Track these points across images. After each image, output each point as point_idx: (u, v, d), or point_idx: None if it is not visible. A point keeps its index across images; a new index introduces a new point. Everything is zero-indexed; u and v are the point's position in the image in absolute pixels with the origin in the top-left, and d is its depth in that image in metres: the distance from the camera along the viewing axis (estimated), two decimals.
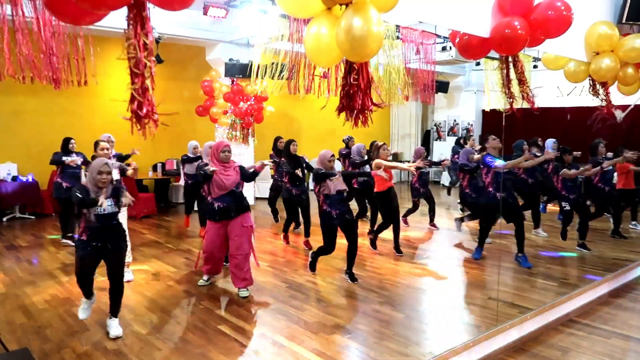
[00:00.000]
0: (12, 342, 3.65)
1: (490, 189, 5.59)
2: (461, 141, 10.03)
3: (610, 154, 7.06)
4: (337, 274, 5.41)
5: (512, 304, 4.44)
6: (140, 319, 4.13)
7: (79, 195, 3.51)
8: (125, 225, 4.88)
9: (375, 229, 6.54)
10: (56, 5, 2.17)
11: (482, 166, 5.74)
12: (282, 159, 6.84)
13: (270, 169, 8.82)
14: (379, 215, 6.54)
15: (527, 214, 7.09)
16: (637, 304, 4.84)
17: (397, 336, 3.80)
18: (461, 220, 7.45)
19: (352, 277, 5.20)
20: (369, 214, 7.47)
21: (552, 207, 9.14)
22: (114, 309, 3.85)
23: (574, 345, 3.85)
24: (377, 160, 5.82)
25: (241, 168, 4.77)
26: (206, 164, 4.58)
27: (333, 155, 5.08)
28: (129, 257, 5.10)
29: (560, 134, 10.38)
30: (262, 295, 4.74)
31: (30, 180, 8.43)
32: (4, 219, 8.26)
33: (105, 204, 3.54)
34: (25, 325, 4.00)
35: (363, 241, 6.86)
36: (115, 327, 3.81)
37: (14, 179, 8.32)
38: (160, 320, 4.11)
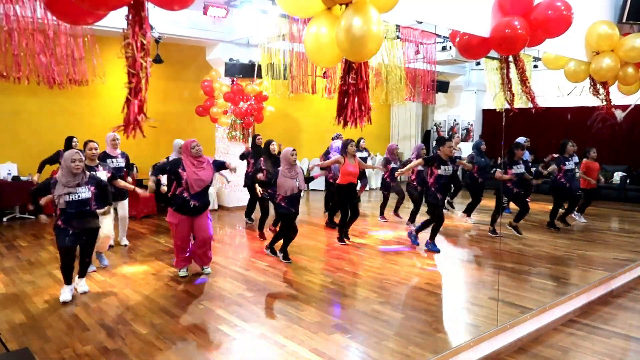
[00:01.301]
0: (12, 342, 3.64)
1: (433, 190, 6.16)
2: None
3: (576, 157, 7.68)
4: (337, 274, 5.41)
5: (512, 304, 4.44)
6: (140, 319, 4.13)
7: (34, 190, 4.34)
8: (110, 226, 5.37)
9: (333, 222, 7.17)
10: (56, 5, 2.17)
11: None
12: (261, 159, 6.98)
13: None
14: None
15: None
16: (637, 304, 4.83)
17: (397, 336, 3.80)
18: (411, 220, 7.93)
19: (286, 257, 5.88)
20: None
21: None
22: (82, 273, 4.70)
23: (574, 345, 3.85)
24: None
25: (214, 162, 5.29)
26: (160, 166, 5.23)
27: (294, 150, 5.64)
28: (104, 249, 5.52)
29: (560, 134, 10.41)
30: (262, 295, 4.74)
31: (30, 180, 8.42)
32: (4, 219, 8.26)
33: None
34: (25, 325, 4.00)
35: (362, 241, 6.87)
36: (82, 285, 4.69)
37: (14, 179, 8.32)
38: (160, 320, 4.11)
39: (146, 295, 4.71)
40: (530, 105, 4.71)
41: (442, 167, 6.04)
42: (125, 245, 6.59)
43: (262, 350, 3.60)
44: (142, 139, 2.16)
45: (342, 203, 6.77)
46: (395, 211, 8.42)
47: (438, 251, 6.34)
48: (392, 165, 7.93)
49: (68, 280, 4.54)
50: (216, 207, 9.80)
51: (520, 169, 6.95)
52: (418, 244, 6.58)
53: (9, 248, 6.50)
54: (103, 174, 5.18)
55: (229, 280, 5.17)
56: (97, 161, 5.34)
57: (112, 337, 3.76)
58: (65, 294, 4.51)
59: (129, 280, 5.19)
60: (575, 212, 8.35)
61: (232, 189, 9.74)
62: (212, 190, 9.81)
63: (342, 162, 6.55)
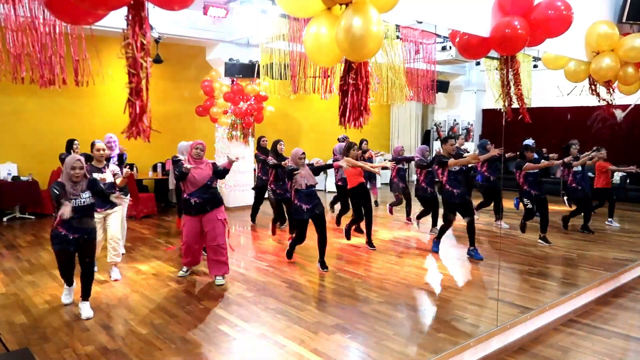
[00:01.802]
0: (12, 342, 3.65)
1: (448, 187, 6.06)
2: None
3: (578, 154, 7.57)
4: (338, 274, 5.41)
5: (512, 304, 4.44)
6: (140, 319, 4.13)
7: (57, 192, 3.94)
8: (119, 225, 5.20)
9: (348, 223, 6.93)
10: (56, 5, 2.17)
11: (436, 166, 6.26)
12: (269, 157, 7.07)
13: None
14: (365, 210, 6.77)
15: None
16: (637, 303, 4.83)
17: (397, 336, 3.80)
18: (418, 218, 7.82)
19: (323, 265, 5.58)
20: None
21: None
22: (85, 293, 4.24)
23: (574, 345, 3.85)
24: (345, 159, 6.25)
25: (214, 165, 5.16)
26: (179, 160, 4.99)
27: (304, 153, 5.58)
28: (118, 257, 5.18)
29: (560, 134, 10.41)
30: (262, 295, 4.74)
31: (30, 180, 8.42)
32: (4, 219, 8.26)
33: (67, 214, 3.82)
34: (25, 325, 4.00)
35: (361, 240, 6.87)
36: (86, 310, 4.20)
37: (14, 179, 8.32)
38: (160, 320, 4.11)
39: (146, 295, 4.71)
40: (532, 105, 4.68)
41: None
42: (122, 254, 6.51)
43: (262, 350, 3.60)
44: (141, 139, 2.16)
45: (358, 204, 6.58)
46: (407, 216, 8.24)
47: (436, 251, 6.33)
48: (399, 166, 7.88)
49: (69, 282, 4.42)
50: None
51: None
52: (482, 258, 6.07)
53: (9, 248, 6.50)
54: (109, 175, 5.06)
55: (229, 280, 5.17)
56: (105, 162, 5.15)
57: (112, 337, 3.76)
58: (66, 296, 4.46)
59: (129, 280, 5.19)
60: (608, 219, 8.14)
61: (232, 189, 9.75)
62: None
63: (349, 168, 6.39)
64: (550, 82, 10.99)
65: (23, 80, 3.98)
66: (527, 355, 3.69)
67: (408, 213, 8.21)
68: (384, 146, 14.70)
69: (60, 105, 8.98)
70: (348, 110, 2.78)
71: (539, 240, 6.81)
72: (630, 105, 6.14)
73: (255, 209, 8.23)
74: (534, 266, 5.72)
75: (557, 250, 6.51)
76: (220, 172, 5.15)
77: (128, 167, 5.38)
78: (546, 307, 4.18)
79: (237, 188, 9.41)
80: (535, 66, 10.19)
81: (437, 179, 6.76)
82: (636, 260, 5.75)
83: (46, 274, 5.35)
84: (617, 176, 10.88)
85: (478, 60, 10.90)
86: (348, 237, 6.86)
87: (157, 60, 7.89)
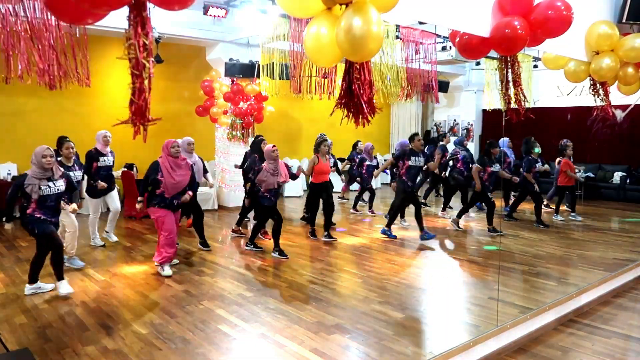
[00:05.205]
0: (12, 342, 3.65)
1: (404, 179, 6.87)
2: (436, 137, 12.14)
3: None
4: (338, 274, 5.41)
5: (512, 304, 4.44)
6: (140, 319, 4.13)
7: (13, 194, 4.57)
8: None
9: (306, 219, 7.59)
10: (56, 5, 2.17)
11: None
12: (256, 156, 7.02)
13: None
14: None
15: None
16: (637, 304, 4.83)
17: (397, 336, 3.80)
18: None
19: (282, 253, 6.05)
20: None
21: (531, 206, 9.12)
22: (59, 275, 4.66)
23: (574, 345, 3.85)
24: (313, 157, 6.95)
25: (192, 168, 5.55)
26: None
27: (274, 146, 5.99)
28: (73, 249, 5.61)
29: (560, 134, 10.39)
30: (262, 295, 4.74)
31: None
32: (4, 219, 8.24)
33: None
34: (25, 325, 4.00)
35: (362, 240, 6.86)
36: (64, 286, 4.62)
37: (14, 179, 8.31)
38: (160, 320, 4.11)
39: (146, 295, 4.71)
40: (532, 105, 4.68)
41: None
42: (116, 242, 6.67)
43: (262, 350, 3.60)
44: (140, 138, 2.15)
45: (316, 202, 7.10)
46: (370, 208, 9.20)
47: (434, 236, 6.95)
48: (368, 162, 8.88)
49: (34, 279, 4.69)
50: (216, 207, 9.80)
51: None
52: (434, 236, 7.03)
53: (9, 248, 6.50)
54: (79, 174, 5.54)
55: (229, 280, 5.17)
56: (73, 160, 5.52)
57: (112, 337, 3.76)
58: (29, 289, 4.69)
59: (129, 280, 5.19)
60: (555, 214, 8.66)
61: (231, 189, 9.74)
62: (211, 190, 9.82)
63: (317, 162, 6.86)
64: (550, 82, 11.00)
65: (22, 79, 3.97)
66: (527, 355, 3.69)
67: (370, 206, 9.21)
68: (384, 146, 14.70)
69: (60, 105, 8.98)
70: (356, 107, 2.78)
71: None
72: (630, 105, 6.15)
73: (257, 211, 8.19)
74: (534, 266, 5.72)
75: (557, 250, 6.51)
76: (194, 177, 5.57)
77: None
78: (546, 307, 4.18)
79: (237, 188, 9.40)
80: (535, 66, 10.20)
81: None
82: (636, 260, 5.75)
83: (46, 274, 5.32)
84: (616, 176, 10.88)
85: (478, 60, 10.91)
86: (314, 235, 7.11)
87: (157, 60, 7.89)
